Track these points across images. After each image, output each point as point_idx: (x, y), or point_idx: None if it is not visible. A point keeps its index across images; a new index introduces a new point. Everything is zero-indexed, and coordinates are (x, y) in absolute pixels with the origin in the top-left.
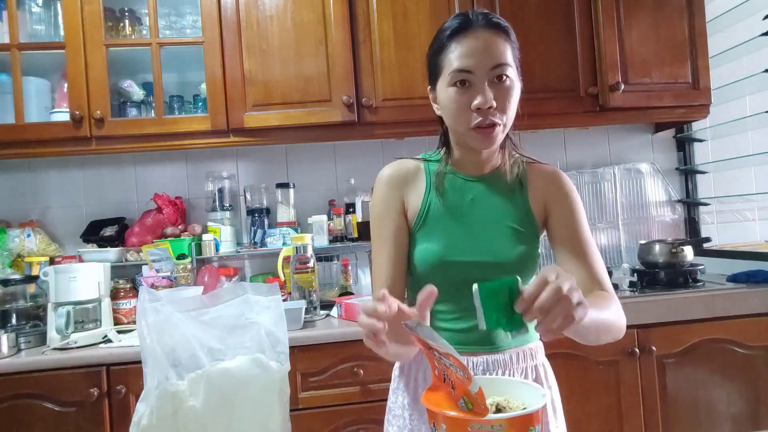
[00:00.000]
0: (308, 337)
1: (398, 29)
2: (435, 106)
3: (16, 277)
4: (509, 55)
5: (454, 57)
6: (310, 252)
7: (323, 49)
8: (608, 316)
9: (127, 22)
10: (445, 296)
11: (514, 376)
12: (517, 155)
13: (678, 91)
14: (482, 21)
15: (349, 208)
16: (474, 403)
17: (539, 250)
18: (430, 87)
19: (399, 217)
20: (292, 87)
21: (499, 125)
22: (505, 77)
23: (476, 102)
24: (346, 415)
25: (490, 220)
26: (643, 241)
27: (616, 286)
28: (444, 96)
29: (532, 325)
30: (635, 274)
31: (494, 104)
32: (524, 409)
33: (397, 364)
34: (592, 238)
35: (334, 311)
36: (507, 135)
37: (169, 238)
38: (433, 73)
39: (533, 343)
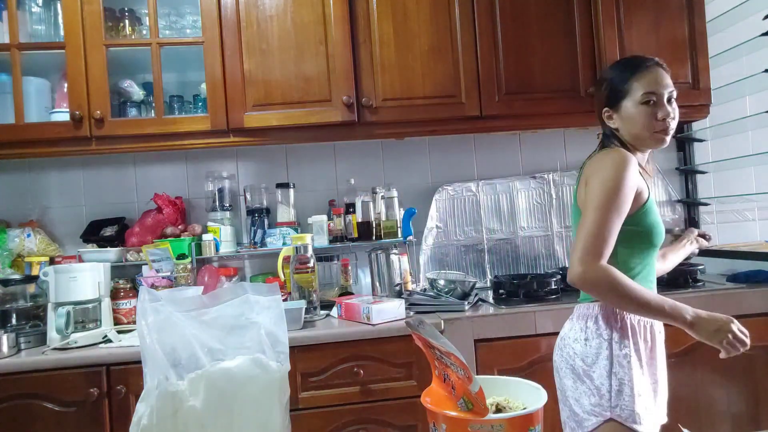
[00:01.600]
0: (308, 337)
1: (398, 29)
2: (610, 122)
3: (16, 277)
4: (672, 83)
5: (642, 85)
6: (310, 252)
7: (323, 49)
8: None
9: (127, 22)
10: (651, 259)
11: None
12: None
13: (678, 91)
14: (655, 62)
15: (349, 208)
16: (474, 402)
17: None
18: (606, 108)
19: (631, 199)
20: (292, 87)
21: (671, 129)
22: (673, 99)
23: (662, 113)
24: (346, 415)
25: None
26: None
27: None
28: (634, 111)
29: None
30: None
31: (671, 116)
32: (524, 409)
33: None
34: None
35: (334, 311)
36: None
37: (169, 238)
38: (617, 97)
39: None
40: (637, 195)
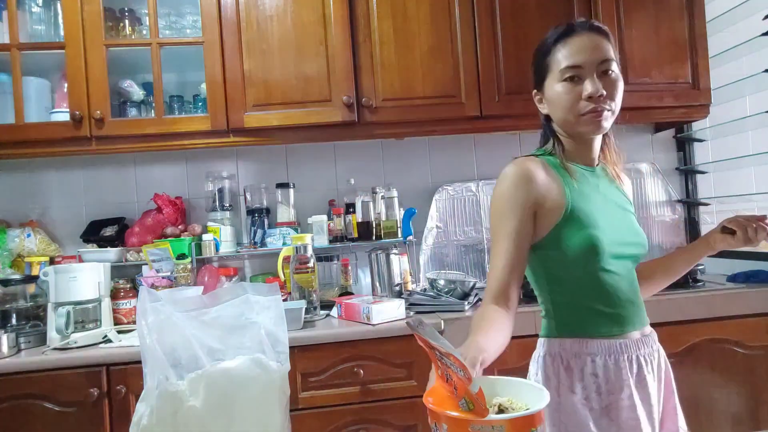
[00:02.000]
0: (308, 337)
1: (398, 29)
2: (541, 107)
3: (16, 277)
4: (611, 51)
5: (563, 56)
6: (310, 252)
7: (323, 49)
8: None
9: (127, 22)
10: (596, 282)
11: (654, 350)
12: (615, 153)
13: (678, 91)
14: (585, 25)
15: (349, 208)
16: (475, 403)
17: None
18: (535, 90)
19: (526, 215)
20: (292, 87)
21: (608, 110)
22: (610, 71)
23: (588, 90)
24: (346, 415)
25: (620, 206)
26: None
27: None
28: (554, 92)
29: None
30: None
31: (604, 92)
32: (527, 410)
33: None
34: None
35: (334, 311)
36: (607, 134)
37: (169, 238)
38: (540, 75)
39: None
40: (546, 210)
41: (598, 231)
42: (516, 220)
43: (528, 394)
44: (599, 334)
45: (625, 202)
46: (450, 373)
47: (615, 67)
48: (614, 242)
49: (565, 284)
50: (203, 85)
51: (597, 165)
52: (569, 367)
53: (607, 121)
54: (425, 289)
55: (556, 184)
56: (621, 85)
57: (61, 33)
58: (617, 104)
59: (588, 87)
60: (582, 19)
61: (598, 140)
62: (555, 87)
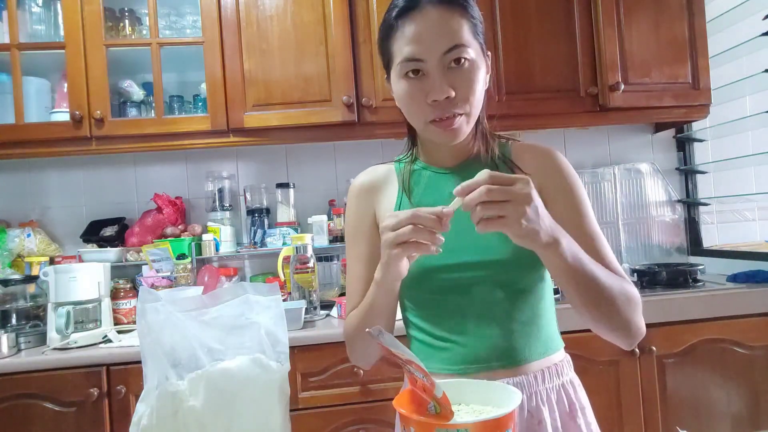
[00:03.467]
0: (308, 337)
1: None
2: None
3: (16, 277)
4: (466, 32)
5: (402, 43)
6: (310, 252)
7: (323, 49)
8: (607, 280)
9: (127, 22)
10: (435, 310)
11: (540, 397)
12: (498, 137)
13: (678, 91)
14: None
15: None
16: (441, 407)
17: None
18: (386, 77)
19: (372, 230)
20: (292, 87)
21: (461, 115)
22: (463, 60)
23: (430, 95)
24: (346, 415)
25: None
26: None
27: None
28: (396, 88)
29: (552, 331)
30: (635, 275)
31: (452, 94)
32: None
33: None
34: (599, 230)
35: (334, 311)
36: (478, 120)
37: (169, 238)
38: (385, 62)
39: (557, 353)
40: (377, 224)
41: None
42: (362, 242)
43: (498, 396)
44: (438, 370)
45: None
46: (415, 379)
47: (470, 53)
48: (444, 263)
49: (417, 314)
50: (203, 85)
51: (466, 161)
52: None
53: (463, 128)
54: None
55: (388, 199)
56: (478, 77)
57: (61, 33)
58: (475, 104)
59: (431, 90)
60: None
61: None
62: (397, 83)
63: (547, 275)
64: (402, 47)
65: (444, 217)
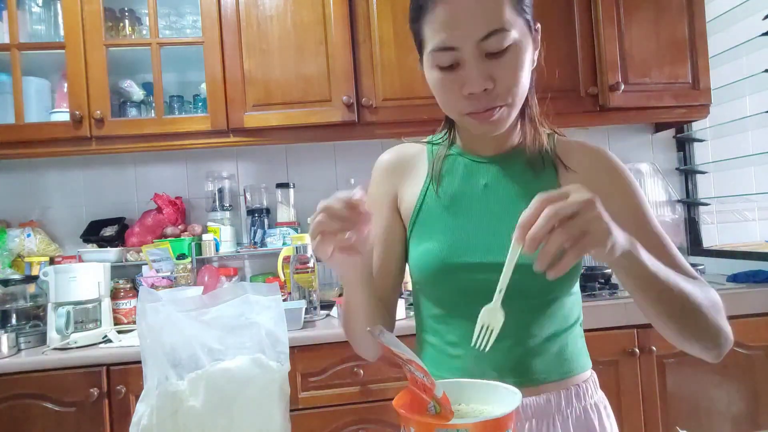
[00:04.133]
0: (308, 337)
1: (398, 29)
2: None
3: (16, 277)
4: (507, 11)
5: (433, 29)
6: (310, 252)
7: (323, 49)
8: (688, 286)
9: (127, 22)
10: (451, 311)
11: (552, 423)
12: (546, 128)
13: (678, 91)
14: None
15: None
16: (441, 407)
17: None
18: (419, 59)
19: (391, 214)
20: (292, 87)
21: (503, 106)
22: (504, 46)
23: (466, 88)
24: (346, 415)
25: (509, 208)
26: None
27: (615, 286)
28: (429, 77)
29: (577, 351)
30: None
31: (491, 86)
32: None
33: None
34: (663, 230)
35: (334, 311)
36: (526, 102)
37: (169, 238)
38: (417, 43)
39: (581, 374)
40: (397, 208)
41: (437, 244)
42: (379, 225)
43: (499, 396)
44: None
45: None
46: (415, 379)
47: (513, 36)
48: (462, 260)
49: (425, 305)
50: (203, 85)
51: (509, 150)
52: None
53: (504, 119)
54: None
55: (415, 182)
56: (522, 63)
57: (61, 33)
58: (519, 93)
59: (467, 81)
60: None
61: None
62: (429, 71)
63: (577, 288)
64: (433, 33)
65: (357, 204)
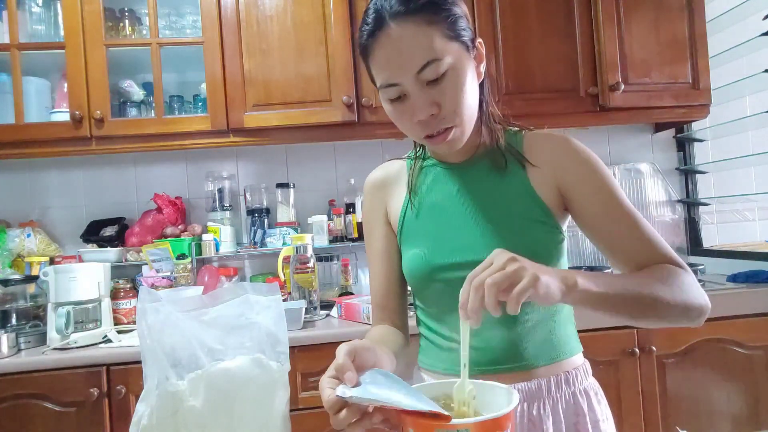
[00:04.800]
0: (308, 337)
1: None
2: None
3: (16, 277)
4: (437, 40)
5: (377, 69)
6: (310, 252)
7: (323, 49)
8: (646, 285)
9: (127, 22)
10: (441, 308)
11: (544, 406)
12: (508, 126)
13: (678, 91)
14: (391, 9)
15: (349, 208)
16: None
17: (560, 236)
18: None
19: (385, 228)
20: (292, 87)
21: (454, 128)
22: (441, 74)
23: (414, 116)
24: None
25: (480, 209)
26: None
27: None
28: (385, 109)
29: (566, 335)
30: None
31: (436, 111)
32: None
33: None
34: (635, 210)
35: (334, 311)
36: (481, 110)
37: (169, 238)
38: (372, 80)
39: (572, 358)
40: (388, 222)
41: (420, 249)
42: (376, 239)
43: (497, 396)
44: (443, 370)
45: (502, 201)
46: (402, 415)
47: (448, 61)
48: (446, 261)
49: (425, 313)
50: (203, 85)
51: (476, 154)
52: None
53: (458, 137)
54: None
55: (399, 197)
56: (464, 83)
57: (61, 33)
58: (466, 110)
59: (414, 110)
60: (384, 7)
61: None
62: (384, 104)
63: None
64: (377, 72)
65: (344, 372)
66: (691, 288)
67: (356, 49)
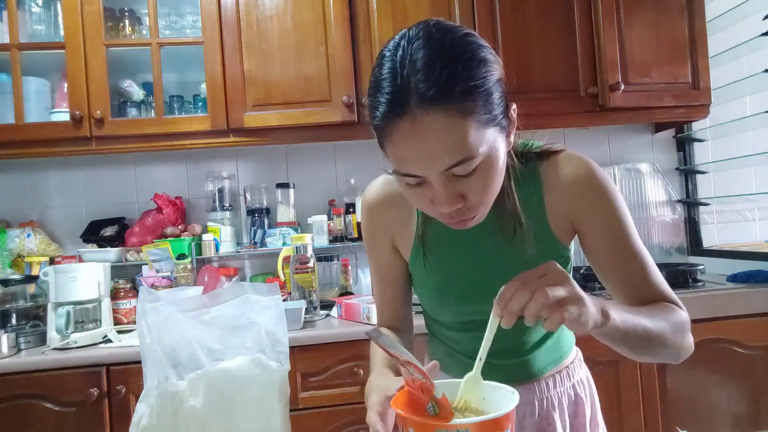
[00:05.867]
0: (308, 337)
1: (398, 29)
2: None
3: (16, 277)
4: (472, 134)
5: (394, 155)
6: (310, 252)
7: (323, 49)
8: (658, 326)
9: (127, 22)
10: (458, 328)
11: (551, 402)
12: (526, 154)
13: (678, 91)
14: (417, 98)
15: (349, 208)
16: (440, 407)
17: (569, 262)
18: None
19: (387, 251)
20: (292, 87)
21: (475, 216)
22: (471, 170)
23: (437, 207)
24: (346, 415)
25: (496, 245)
26: None
27: None
28: (399, 184)
29: (567, 336)
30: None
31: (460, 205)
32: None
33: None
34: (644, 249)
35: (334, 311)
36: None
37: (169, 238)
38: (380, 144)
39: (570, 354)
40: (395, 247)
41: (434, 281)
42: (376, 258)
43: (497, 396)
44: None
45: (519, 240)
46: (413, 379)
47: (481, 155)
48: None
49: (434, 336)
50: (203, 85)
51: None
52: None
53: (479, 220)
54: None
55: (407, 227)
56: (495, 172)
57: (61, 33)
58: (491, 198)
59: (436, 200)
60: (410, 89)
61: None
62: (398, 181)
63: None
64: (395, 160)
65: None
66: (687, 331)
67: (356, 49)
